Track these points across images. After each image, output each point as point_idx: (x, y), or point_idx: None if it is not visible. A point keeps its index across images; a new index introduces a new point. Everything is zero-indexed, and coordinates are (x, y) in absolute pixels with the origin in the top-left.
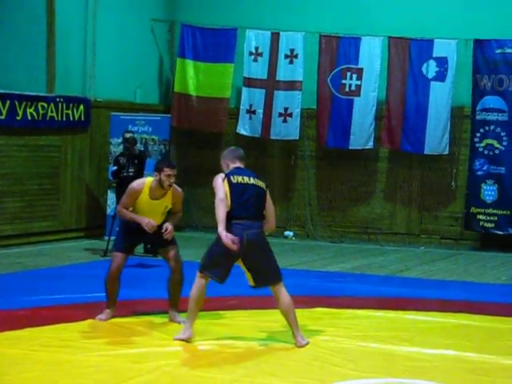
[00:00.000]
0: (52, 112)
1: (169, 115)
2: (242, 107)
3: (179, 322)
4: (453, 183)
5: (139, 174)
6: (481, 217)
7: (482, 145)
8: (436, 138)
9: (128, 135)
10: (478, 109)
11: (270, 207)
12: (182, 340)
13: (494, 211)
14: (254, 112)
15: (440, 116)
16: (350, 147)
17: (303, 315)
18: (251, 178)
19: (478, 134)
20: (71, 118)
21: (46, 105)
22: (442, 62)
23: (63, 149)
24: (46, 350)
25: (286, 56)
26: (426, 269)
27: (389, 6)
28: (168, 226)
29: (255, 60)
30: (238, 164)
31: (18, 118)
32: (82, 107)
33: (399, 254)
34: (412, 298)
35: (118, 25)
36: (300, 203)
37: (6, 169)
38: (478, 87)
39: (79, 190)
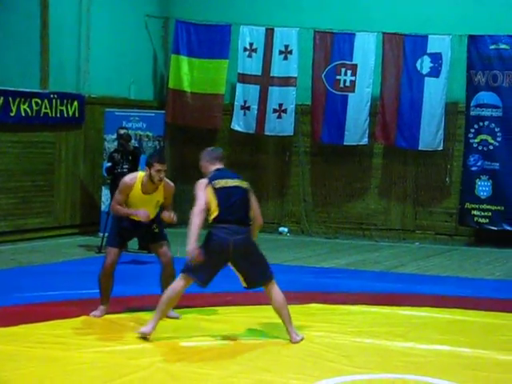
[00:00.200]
0: (46, 108)
1: (163, 111)
2: (236, 103)
3: (173, 317)
4: (447, 179)
5: (133, 171)
6: (475, 212)
7: (476, 140)
8: (430, 134)
9: (122, 131)
10: (472, 105)
11: (255, 205)
12: (141, 333)
13: (489, 207)
14: (248, 108)
15: (434, 112)
16: (345, 143)
17: (298, 311)
18: (235, 180)
19: (473, 130)
20: (65, 115)
21: (39, 101)
22: (437, 58)
23: (57, 145)
24: (41, 347)
25: (281, 52)
26: (421, 264)
27: (383, 2)
28: (168, 212)
29: (249, 56)
30: (218, 165)
31: (12, 114)
32: (76, 103)
33: (394, 250)
34: (407, 293)
35: (112, 21)
36: (295, 199)
37: None
38: (473, 83)
39: (73, 186)
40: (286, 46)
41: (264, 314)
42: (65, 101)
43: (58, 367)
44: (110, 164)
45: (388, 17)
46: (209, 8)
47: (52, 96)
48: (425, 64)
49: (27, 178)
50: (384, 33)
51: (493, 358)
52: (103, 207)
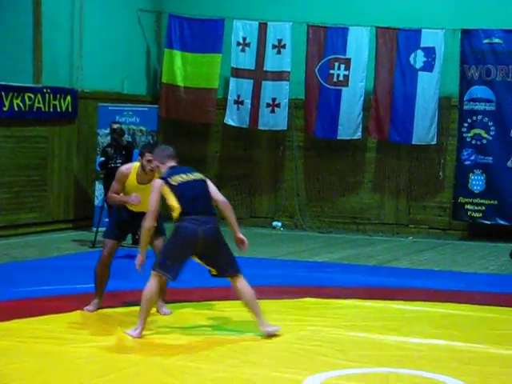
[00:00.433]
0: (39, 103)
1: (156, 106)
2: (229, 98)
3: (165, 313)
4: (441, 173)
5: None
6: (469, 207)
7: (469, 135)
8: (424, 128)
9: (115, 126)
10: (465, 99)
11: (213, 190)
12: (130, 336)
13: (482, 201)
14: (241, 102)
15: (428, 106)
16: (338, 137)
17: (291, 305)
18: (189, 175)
19: (466, 124)
20: (58, 109)
21: (32, 96)
22: (430, 52)
23: (50, 140)
24: (35, 342)
25: (274, 46)
26: (415, 259)
27: None
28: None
29: (243, 50)
30: (172, 163)
31: (5, 108)
32: (69, 98)
33: (387, 244)
34: (400, 287)
35: (104, 15)
36: (288, 194)
37: None
38: (466, 77)
39: (67, 181)
40: (280, 41)
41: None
42: (58, 95)
43: (51, 362)
44: (103, 158)
45: (381, 11)
46: (202, 2)
47: (45, 90)
48: (418, 58)
49: (20, 172)
50: (377, 27)
51: (486, 351)
52: (96, 202)
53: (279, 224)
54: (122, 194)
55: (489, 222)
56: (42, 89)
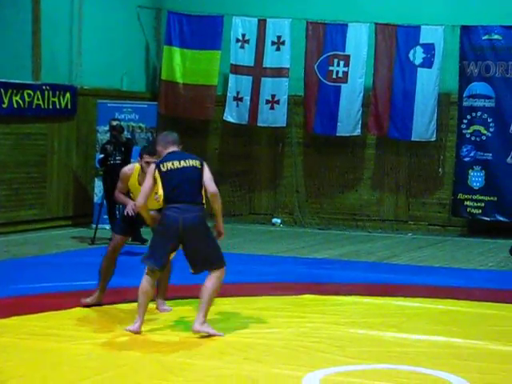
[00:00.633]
0: (38, 100)
1: (156, 103)
2: (229, 94)
3: (164, 311)
4: (440, 170)
5: (126, 162)
6: (468, 203)
7: (469, 131)
8: (423, 125)
9: (115, 123)
10: (465, 95)
11: (206, 176)
12: (130, 331)
13: (481, 197)
14: (241, 99)
15: (427, 102)
16: (338, 134)
17: (291, 302)
18: (181, 161)
19: (465, 121)
20: (58, 106)
21: (32, 92)
22: (429, 49)
23: (50, 137)
24: (34, 338)
25: (273, 43)
26: (414, 255)
27: None
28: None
29: (242, 47)
30: (172, 148)
31: (4, 105)
32: (68, 95)
33: (387, 241)
34: (400, 284)
35: (103, 12)
36: (288, 190)
37: None
38: (465, 73)
39: (66, 178)
40: (279, 37)
41: (256, 306)
42: (57, 92)
43: (50, 359)
44: (102, 155)
45: (380, 7)
46: None
47: (44, 87)
48: (417, 55)
49: (20, 169)
50: (376, 23)
51: (485, 348)
52: (96, 199)
53: (279, 220)
54: (132, 203)
55: (488, 219)
56: (42, 86)
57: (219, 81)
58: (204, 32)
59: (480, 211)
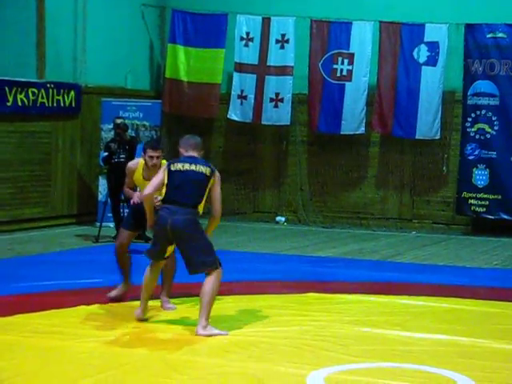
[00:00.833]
0: (42, 98)
1: (160, 101)
2: (233, 92)
3: (169, 309)
4: (444, 168)
5: (130, 160)
6: (472, 201)
7: (473, 129)
8: (427, 123)
9: (119, 121)
10: (469, 93)
11: (214, 196)
12: (136, 317)
13: (486, 196)
14: (245, 97)
15: (431, 101)
16: (342, 132)
17: (295, 300)
18: (192, 165)
19: (470, 119)
20: (62, 104)
21: (36, 91)
22: (434, 47)
23: (54, 135)
24: (38, 337)
25: (277, 41)
26: (418, 253)
27: None
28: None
29: (246, 45)
30: (191, 153)
31: (9, 104)
32: (72, 93)
33: (391, 239)
34: (404, 282)
35: (108, 10)
36: (292, 188)
37: None
38: (470, 72)
39: (70, 176)
40: (283, 35)
41: (260, 304)
42: (61, 90)
43: (54, 357)
44: (106, 154)
45: (385, 5)
46: None
47: (48, 85)
48: (422, 53)
49: (24, 167)
50: (381, 21)
51: (489, 346)
52: (100, 197)
53: (283, 219)
54: (138, 192)
55: (492, 217)
56: (46, 84)
57: (223, 79)
58: (208, 30)
59: (484, 209)
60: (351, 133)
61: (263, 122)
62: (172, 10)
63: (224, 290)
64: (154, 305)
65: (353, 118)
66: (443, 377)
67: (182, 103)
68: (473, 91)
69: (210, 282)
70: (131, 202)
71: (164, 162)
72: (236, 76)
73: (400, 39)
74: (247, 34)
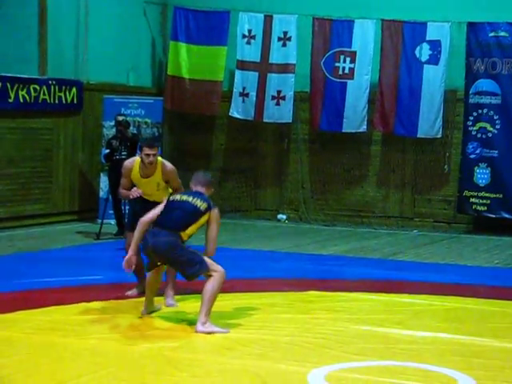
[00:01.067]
0: (44, 94)
1: (162, 98)
2: (235, 90)
3: (170, 305)
4: (446, 167)
5: (132, 157)
6: (474, 200)
7: (475, 128)
8: (429, 122)
9: (121, 118)
10: (471, 92)
11: (210, 234)
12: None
13: (487, 194)
14: (247, 95)
15: (433, 99)
16: (343, 130)
17: (296, 298)
18: (190, 197)
19: (471, 118)
20: (64, 101)
21: (38, 87)
22: (436, 45)
23: (56, 131)
24: (39, 333)
25: (279, 39)
26: (419, 252)
27: None
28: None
29: (248, 43)
30: (198, 188)
31: (10, 100)
32: (74, 90)
33: (392, 238)
34: (405, 281)
35: (110, 7)
36: (293, 186)
37: None
38: (472, 70)
39: (72, 172)
40: (285, 33)
41: (262, 302)
42: (63, 87)
43: (55, 353)
44: (108, 151)
45: (387, 4)
46: None
47: (50, 82)
48: (424, 51)
49: (25, 164)
50: (383, 20)
51: (490, 345)
52: (101, 194)
53: (284, 217)
54: (134, 188)
55: (494, 216)
56: (48, 80)
57: (225, 76)
58: (210, 27)
59: (485, 208)
60: (353, 131)
61: (265, 120)
62: (174, 7)
63: (225, 287)
64: (156, 302)
65: (354, 117)
66: (444, 375)
67: (183, 100)
68: (475, 90)
69: (211, 281)
70: (130, 196)
71: (160, 159)
72: (238, 74)
73: (402, 38)
74: (249, 31)
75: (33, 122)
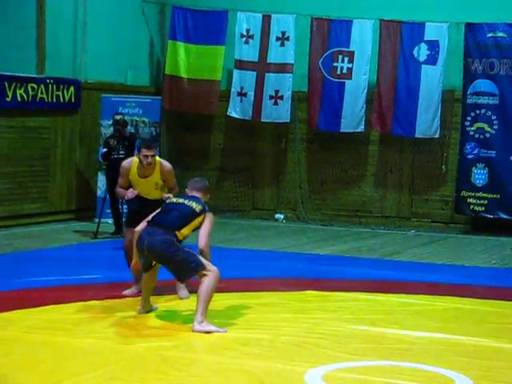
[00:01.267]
0: (42, 93)
1: (160, 97)
2: (233, 89)
3: (183, 295)
4: (443, 167)
5: (129, 156)
6: (471, 200)
7: (472, 128)
8: (427, 122)
9: (118, 117)
10: (469, 92)
11: (202, 229)
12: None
13: (485, 195)
14: (245, 94)
15: (431, 99)
16: (341, 130)
17: (293, 298)
18: (185, 200)
19: (469, 118)
20: (61, 100)
21: (36, 86)
22: (434, 46)
23: (53, 130)
24: (36, 332)
25: (278, 38)
26: (417, 252)
27: None
28: (167, 195)
29: (246, 42)
30: (194, 194)
31: (8, 99)
32: (72, 89)
33: (390, 238)
34: (402, 281)
35: (108, 6)
36: (291, 186)
37: None
38: (470, 71)
39: (69, 171)
40: (283, 33)
41: (260, 301)
42: (61, 86)
43: (53, 352)
44: (105, 150)
45: (385, 4)
46: None
47: (48, 81)
48: (422, 51)
49: (23, 163)
50: (381, 20)
51: (487, 345)
52: (99, 193)
53: (281, 216)
54: (131, 189)
55: (491, 216)
56: (46, 79)
57: (223, 76)
58: (208, 27)
59: (483, 208)
60: (351, 131)
61: (263, 120)
62: (172, 6)
63: (222, 287)
64: (153, 301)
65: (352, 116)
66: (441, 375)
67: (181, 100)
68: (472, 90)
69: (206, 281)
70: (125, 197)
71: (158, 158)
72: (236, 73)
73: (400, 38)
74: (247, 31)
75: (30, 121)
